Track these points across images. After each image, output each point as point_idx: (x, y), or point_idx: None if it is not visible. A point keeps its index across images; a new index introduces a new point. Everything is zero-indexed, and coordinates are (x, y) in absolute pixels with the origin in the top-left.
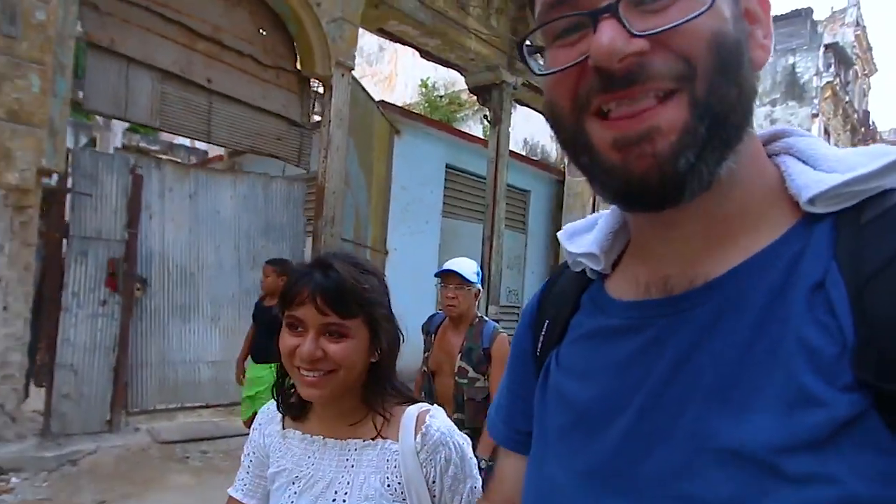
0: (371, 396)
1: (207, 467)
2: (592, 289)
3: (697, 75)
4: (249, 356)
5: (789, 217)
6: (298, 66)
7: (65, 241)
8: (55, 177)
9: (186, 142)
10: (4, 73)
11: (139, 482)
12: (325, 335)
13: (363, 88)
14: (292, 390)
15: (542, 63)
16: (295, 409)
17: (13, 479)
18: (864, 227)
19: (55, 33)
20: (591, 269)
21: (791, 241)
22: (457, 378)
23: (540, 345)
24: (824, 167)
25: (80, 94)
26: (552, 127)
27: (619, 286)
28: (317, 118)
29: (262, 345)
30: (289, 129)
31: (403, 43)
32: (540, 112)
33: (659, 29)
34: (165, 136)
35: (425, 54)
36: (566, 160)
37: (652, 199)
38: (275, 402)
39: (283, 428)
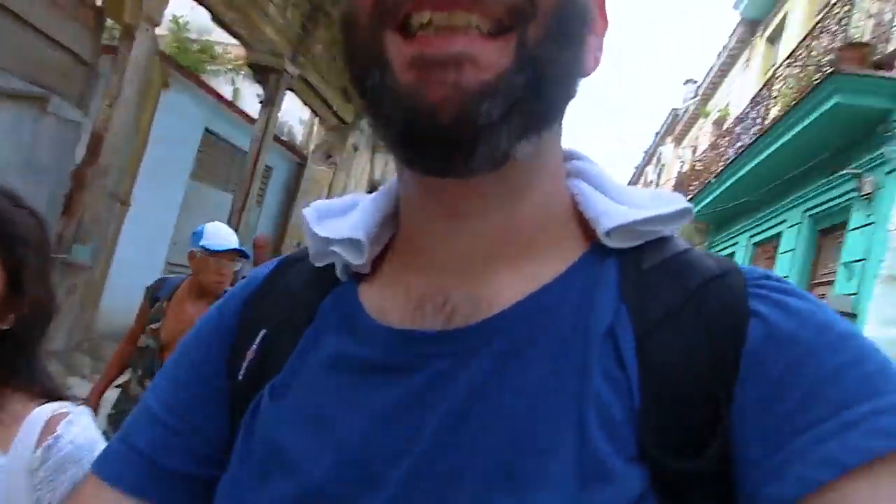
0: None
1: None
2: (339, 294)
3: (536, 18)
4: None
5: (579, 243)
6: (99, 2)
7: None
8: None
9: None
10: None
11: None
12: None
13: (155, 40)
14: None
15: None
16: None
17: None
18: (646, 274)
19: None
20: (345, 265)
21: (583, 272)
22: None
23: (245, 366)
24: (613, 197)
25: None
26: (344, 41)
27: (380, 298)
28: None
29: None
30: (74, 67)
31: (203, 6)
32: (305, 101)
33: None
34: None
35: (219, 22)
36: (311, 146)
37: (438, 146)
38: None
39: None
